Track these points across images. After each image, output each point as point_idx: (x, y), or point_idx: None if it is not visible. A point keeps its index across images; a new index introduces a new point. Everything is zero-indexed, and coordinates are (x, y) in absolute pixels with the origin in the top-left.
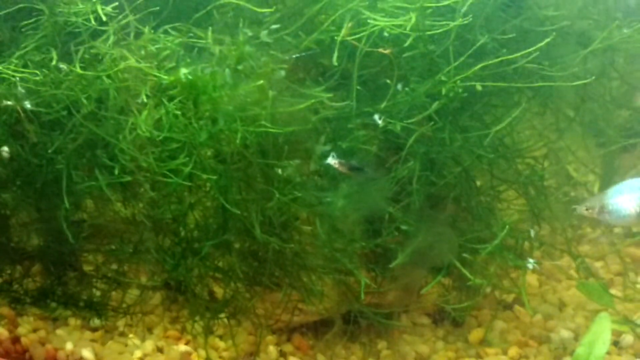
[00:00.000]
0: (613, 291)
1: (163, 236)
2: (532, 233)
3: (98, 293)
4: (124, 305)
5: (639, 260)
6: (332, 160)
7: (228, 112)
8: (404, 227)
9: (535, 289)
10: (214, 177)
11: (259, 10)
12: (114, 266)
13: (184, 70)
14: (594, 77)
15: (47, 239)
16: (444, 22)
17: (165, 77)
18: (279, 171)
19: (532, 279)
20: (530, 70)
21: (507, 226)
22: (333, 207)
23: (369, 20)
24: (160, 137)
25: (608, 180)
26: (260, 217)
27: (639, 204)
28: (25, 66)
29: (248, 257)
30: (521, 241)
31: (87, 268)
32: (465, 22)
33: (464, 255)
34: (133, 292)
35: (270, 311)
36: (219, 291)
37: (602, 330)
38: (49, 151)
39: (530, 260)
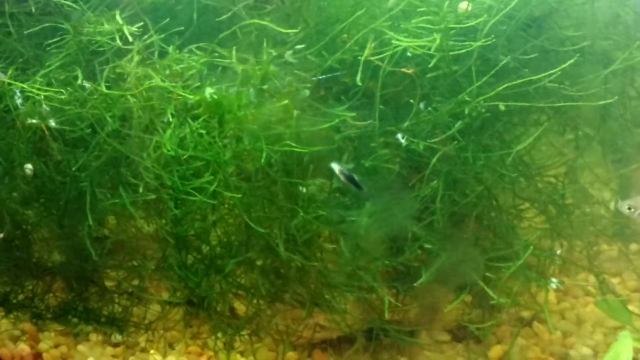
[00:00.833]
0: (630, 307)
1: (186, 253)
2: (557, 251)
3: (119, 309)
4: (146, 321)
5: None
6: (335, 166)
7: (253, 131)
8: (427, 246)
9: (553, 306)
10: (238, 196)
11: (282, 31)
12: (136, 282)
13: (209, 90)
14: (615, 98)
15: (69, 255)
16: (467, 43)
17: (191, 96)
18: (303, 189)
19: (550, 296)
20: (550, 90)
21: (530, 246)
22: (357, 226)
23: (392, 41)
24: (185, 156)
25: (625, 197)
26: (284, 235)
27: None
28: (49, 84)
29: (270, 274)
30: (543, 260)
31: (108, 284)
32: (488, 42)
33: (487, 274)
34: (154, 308)
35: (291, 327)
36: (240, 307)
37: (624, 349)
38: (73, 169)
39: (554, 280)
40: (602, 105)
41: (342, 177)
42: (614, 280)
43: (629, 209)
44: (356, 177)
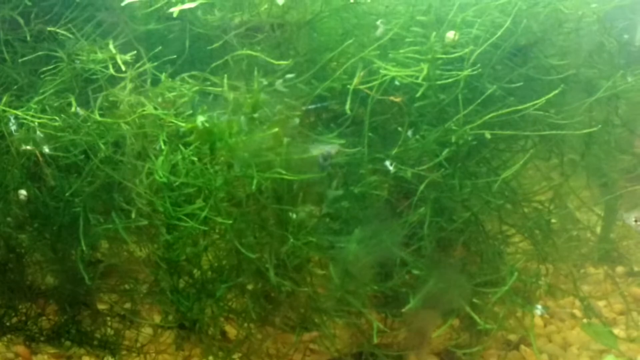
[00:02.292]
0: (616, 331)
1: (177, 277)
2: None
3: (112, 332)
4: (138, 344)
5: None
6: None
7: (243, 158)
8: (415, 272)
9: (540, 329)
10: (229, 222)
11: (273, 62)
12: (128, 305)
13: (201, 118)
14: (599, 126)
15: (63, 278)
16: (454, 72)
17: (183, 124)
18: (293, 215)
19: (537, 319)
20: (536, 117)
21: (516, 273)
22: (346, 252)
23: (380, 70)
24: (177, 183)
25: (610, 220)
26: (274, 260)
27: None
28: (43, 111)
29: (261, 298)
30: (529, 285)
31: (101, 307)
32: (474, 72)
33: (474, 300)
34: (146, 331)
35: (281, 351)
36: (231, 331)
37: None
38: (66, 194)
39: (538, 306)
40: (587, 132)
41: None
42: (600, 303)
43: (635, 221)
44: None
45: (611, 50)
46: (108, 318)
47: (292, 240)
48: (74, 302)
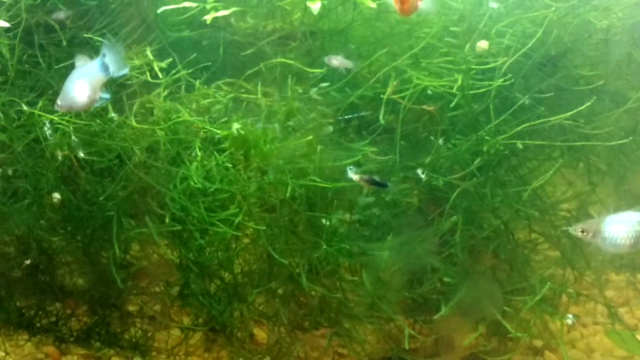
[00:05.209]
0: (638, 337)
1: (209, 281)
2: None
3: (141, 333)
4: (167, 346)
5: None
6: (352, 175)
7: (278, 165)
8: (447, 279)
9: (564, 335)
10: (263, 228)
11: (308, 70)
12: (157, 307)
13: (236, 125)
14: (630, 138)
15: (94, 280)
16: (485, 82)
17: (218, 131)
18: (326, 222)
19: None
20: (565, 126)
21: (547, 283)
22: (378, 259)
23: (413, 79)
24: (212, 189)
25: None
26: (307, 266)
27: (634, 236)
28: (78, 116)
29: (291, 302)
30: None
31: (131, 308)
32: (506, 83)
33: (506, 309)
34: (175, 333)
35: (310, 355)
36: (259, 334)
37: None
38: (100, 198)
39: (570, 315)
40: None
41: (364, 183)
42: (622, 310)
43: (582, 232)
44: (376, 178)
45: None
46: (138, 320)
47: (324, 246)
48: (105, 303)
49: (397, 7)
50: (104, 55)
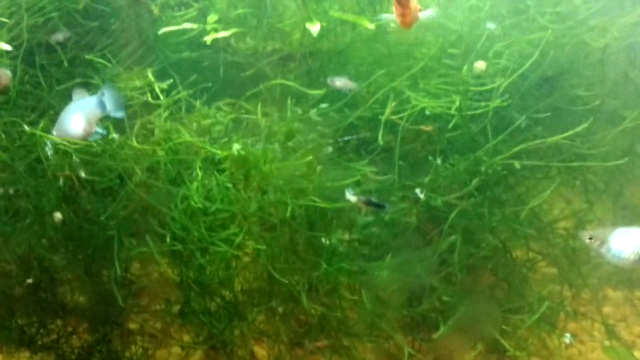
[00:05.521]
0: (636, 353)
1: (210, 299)
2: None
3: (141, 351)
4: None
5: None
6: (350, 196)
7: (277, 185)
8: (445, 298)
9: (562, 352)
10: (263, 247)
11: (307, 91)
12: (158, 325)
13: (236, 146)
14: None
15: (95, 298)
16: (483, 103)
17: (219, 151)
18: (325, 241)
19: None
20: (562, 146)
21: (545, 301)
22: (377, 278)
23: (411, 100)
24: (212, 209)
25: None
26: (307, 284)
27: (638, 252)
28: None
29: (291, 320)
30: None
31: (131, 326)
32: (504, 103)
33: (504, 327)
34: (175, 351)
35: None
36: (259, 351)
37: None
38: (102, 217)
39: (567, 334)
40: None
41: (362, 204)
42: (619, 325)
43: (590, 238)
44: (374, 199)
45: (636, 81)
46: (139, 337)
47: (324, 265)
48: (106, 321)
49: (399, 21)
50: (102, 94)
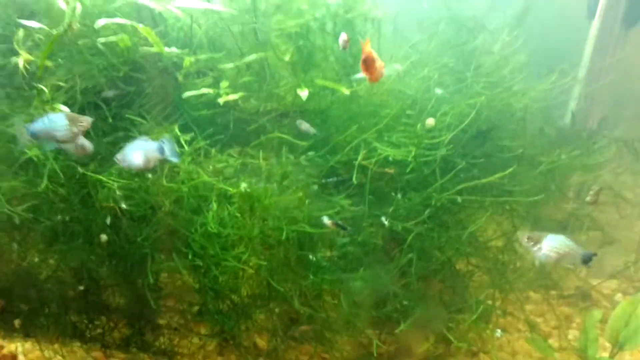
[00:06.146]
0: (551, 341)
1: (222, 302)
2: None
3: (168, 341)
4: (189, 351)
5: (570, 317)
6: (326, 221)
7: (275, 215)
8: (405, 302)
9: (495, 340)
10: (264, 263)
11: (298, 142)
12: (181, 321)
13: (243, 185)
14: (542, 195)
15: (132, 300)
16: (433, 151)
17: (230, 188)
18: (312, 258)
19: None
20: (494, 184)
21: (481, 305)
22: (353, 286)
23: (378, 149)
24: (225, 233)
25: None
26: (298, 291)
27: (560, 252)
28: (120, 175)
29: (285, 318)
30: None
31: (161, 322)
32: (448, 152)
33: (450, 324)
34: (195, 341)
35: (300, 358)
36: (260, 342)
37: None
38: (138, 239)
39: (498, 330)
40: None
41: (333, 226)
42: (539, 319)
43: (527, 239)
44: (340, 222)
45: (549, 133)
46: (166, 331)
47: (311, 277)
48: (140, 318)
49: (368, 78)
50: (163, 142)
